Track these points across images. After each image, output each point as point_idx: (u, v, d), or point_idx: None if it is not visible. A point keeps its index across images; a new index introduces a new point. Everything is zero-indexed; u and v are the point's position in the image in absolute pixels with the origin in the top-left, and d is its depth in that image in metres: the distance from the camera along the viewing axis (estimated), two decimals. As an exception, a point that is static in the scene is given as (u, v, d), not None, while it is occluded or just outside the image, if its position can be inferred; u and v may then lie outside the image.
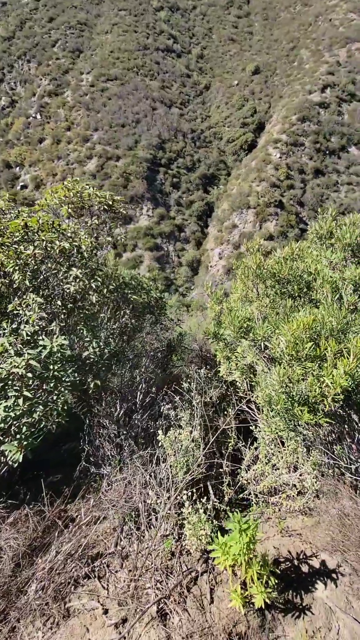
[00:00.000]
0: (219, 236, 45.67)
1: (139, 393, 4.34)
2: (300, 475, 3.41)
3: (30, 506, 3.75)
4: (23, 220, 3.62)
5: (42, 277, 3.81)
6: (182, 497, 3.10)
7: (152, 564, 2.86)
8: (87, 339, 4.09)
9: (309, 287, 3.27)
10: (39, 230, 3.77)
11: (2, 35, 77.97)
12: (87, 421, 4.78)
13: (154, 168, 53.30)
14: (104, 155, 52.42)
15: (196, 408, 3.83)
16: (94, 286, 3.70)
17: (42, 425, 3.65)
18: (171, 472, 3.30)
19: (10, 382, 3.32)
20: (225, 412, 3.91)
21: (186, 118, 66.24)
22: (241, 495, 3.72)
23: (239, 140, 62.60)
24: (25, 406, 3.25)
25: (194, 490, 3.26)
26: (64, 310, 4.06)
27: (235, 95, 70.57)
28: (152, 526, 3.28)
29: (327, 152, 50.85)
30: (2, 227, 3.71)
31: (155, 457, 3.64)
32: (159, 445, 3.69)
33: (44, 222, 3.76)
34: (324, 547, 3.16)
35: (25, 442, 3.29)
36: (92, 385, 4.18)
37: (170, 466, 3.39)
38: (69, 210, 4.32)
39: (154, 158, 54.02)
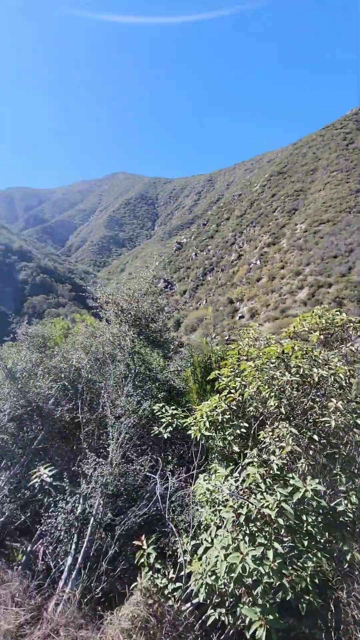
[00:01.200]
0: None
1: None
2: None
3: None
4: (280, 346, 3.73)
5: (293, 404, 3.60)
6: None
7: None
8: (343, 488, 3.29)
9: None
10: (292, 356, 3.75)
11: (237, 215, 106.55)
12: (331, 605, 3.54)
13: (370, 290, 50.42)
14: (315, 284, 55.04)
15: None
16: (359, 423, 3.10)
17: (287, 597, 2.87)
18: None
19: (258, 525, 2.91)
20: None
21: None
22: None
23: None
24: (276, 564, 2.66)
25: None
26: (313, 447, 3.56)
27: None
28: None
29: None
30: (259, 353, 3.93)
31: None
32: None
33: (298, 348, 3.74)
34: None
35: (270, 617, 2.58)
36: (348, 557, 3.13)
37: None
38: (320, 336, 4.20)
39: (369, 281, 51.72)
